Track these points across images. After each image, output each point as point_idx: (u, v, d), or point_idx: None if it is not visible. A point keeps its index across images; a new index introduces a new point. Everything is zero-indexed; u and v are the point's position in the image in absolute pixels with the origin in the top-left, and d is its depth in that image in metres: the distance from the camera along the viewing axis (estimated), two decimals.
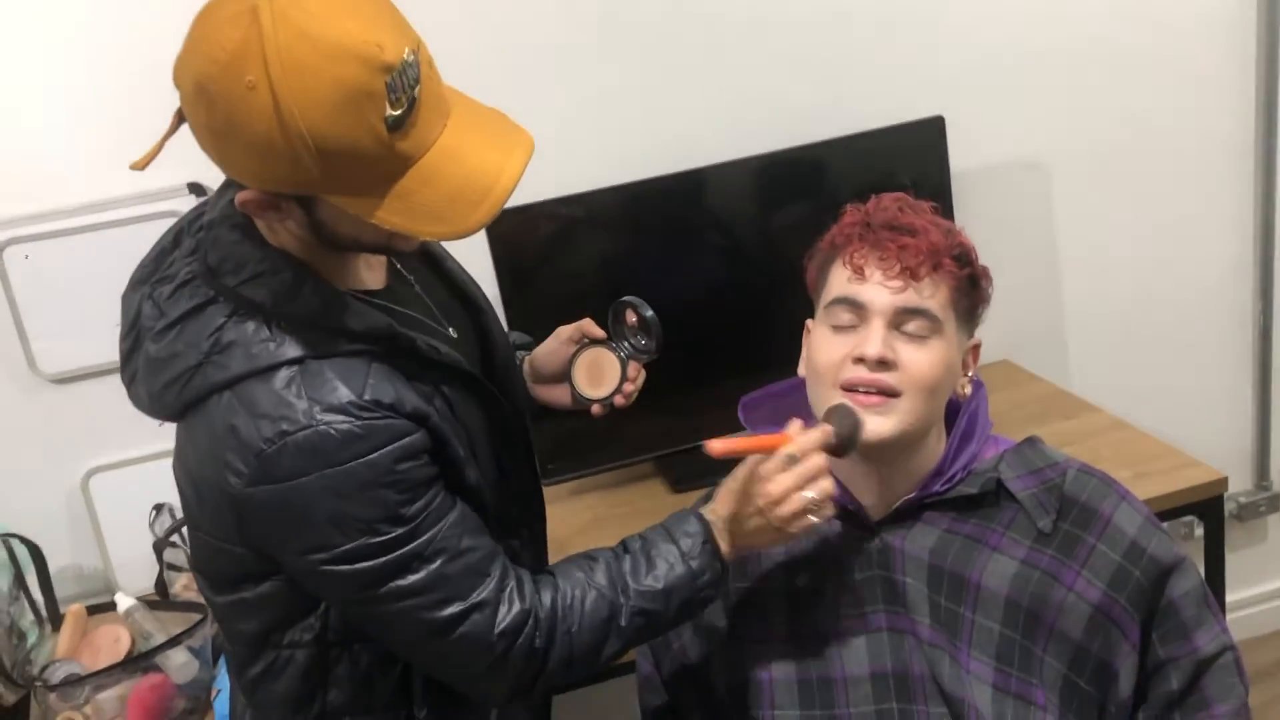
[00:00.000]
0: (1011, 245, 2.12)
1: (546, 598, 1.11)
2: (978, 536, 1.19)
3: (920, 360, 1.16)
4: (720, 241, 1.97)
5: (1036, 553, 1.17)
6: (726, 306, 1.94)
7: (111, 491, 1.90)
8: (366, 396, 1.02)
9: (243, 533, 1.05)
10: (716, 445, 1.11)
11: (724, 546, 1.17)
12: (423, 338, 1.10)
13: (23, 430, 1.86)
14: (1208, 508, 1.72)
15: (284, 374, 1.01)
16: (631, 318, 1.32)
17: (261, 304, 1.03)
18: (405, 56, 0.93)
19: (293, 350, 1.02)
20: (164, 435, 1.81)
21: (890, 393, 1.15)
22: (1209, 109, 2.21)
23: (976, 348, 1.26)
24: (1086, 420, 1.93)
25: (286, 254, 1.05)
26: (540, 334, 1.40)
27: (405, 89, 0.93)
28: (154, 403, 1.07)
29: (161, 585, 1.71)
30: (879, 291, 1.17)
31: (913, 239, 1.18)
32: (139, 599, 1.67)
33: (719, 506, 1.18)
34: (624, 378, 1.32)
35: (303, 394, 1.00)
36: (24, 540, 1.74)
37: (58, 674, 1.52)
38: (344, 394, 1.01)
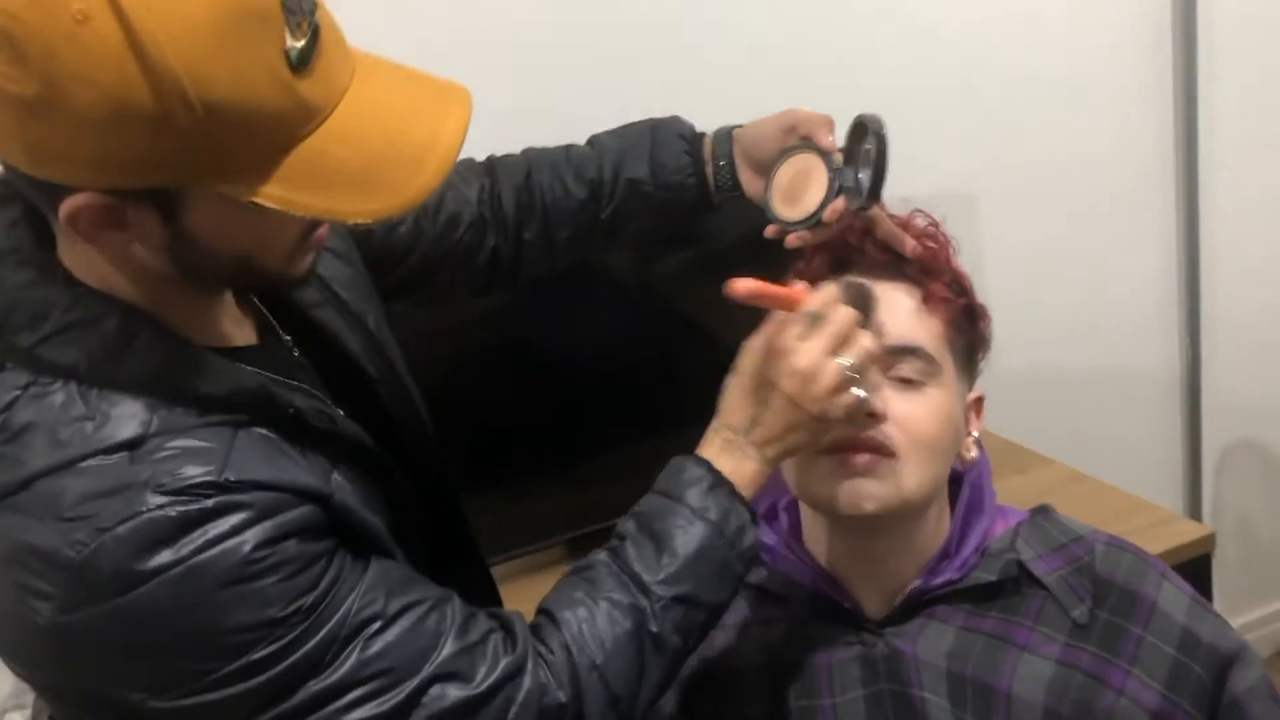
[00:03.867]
0: None
1: (551, 639, 0.86)
2: (1002, 634, 0.99)
3: (918, 414, 0.97)
4: (614, 286, 1.74)
5: (1074, 649, 0.98)
6: (628, 359, 1.71)
7: None
8: (229, 475, 0.76)
9: (71, 679, 0.78)
10: (741, 285, 0.88)
11: (747, 467, 0.91)
12: (310, 402, 0.85)
13: None
14: (1198, 567, 1.57)
15: (106, 461, 0.74)
16: (866, 146, 1.02)
17: (73, 367, 0.76)
18: None
19: (121, 429, 0.75)
20: None
21: (886, 451, 0.95)
22: (1131, 139, 2.14)
23: (979, 401, 1.08)
24: (1041, 474, 1.80)
25: (109, 295, 0.78)
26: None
27: (304, 11, 0.69)
28: None
29: None
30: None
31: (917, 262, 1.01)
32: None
33: (726, 418, 0.92)
34: (822, 208, 1.01)
35: (132, 480, 0.74)
36: None
37: None
38: (191, 473, 0.75)
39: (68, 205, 0.71)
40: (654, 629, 0.87)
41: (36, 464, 0.74)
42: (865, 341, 0.90)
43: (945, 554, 1.02)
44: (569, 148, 1.14)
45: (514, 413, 1.64)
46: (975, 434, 1.05)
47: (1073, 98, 2.06)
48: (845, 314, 0.90)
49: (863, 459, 0.94)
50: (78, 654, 0.75)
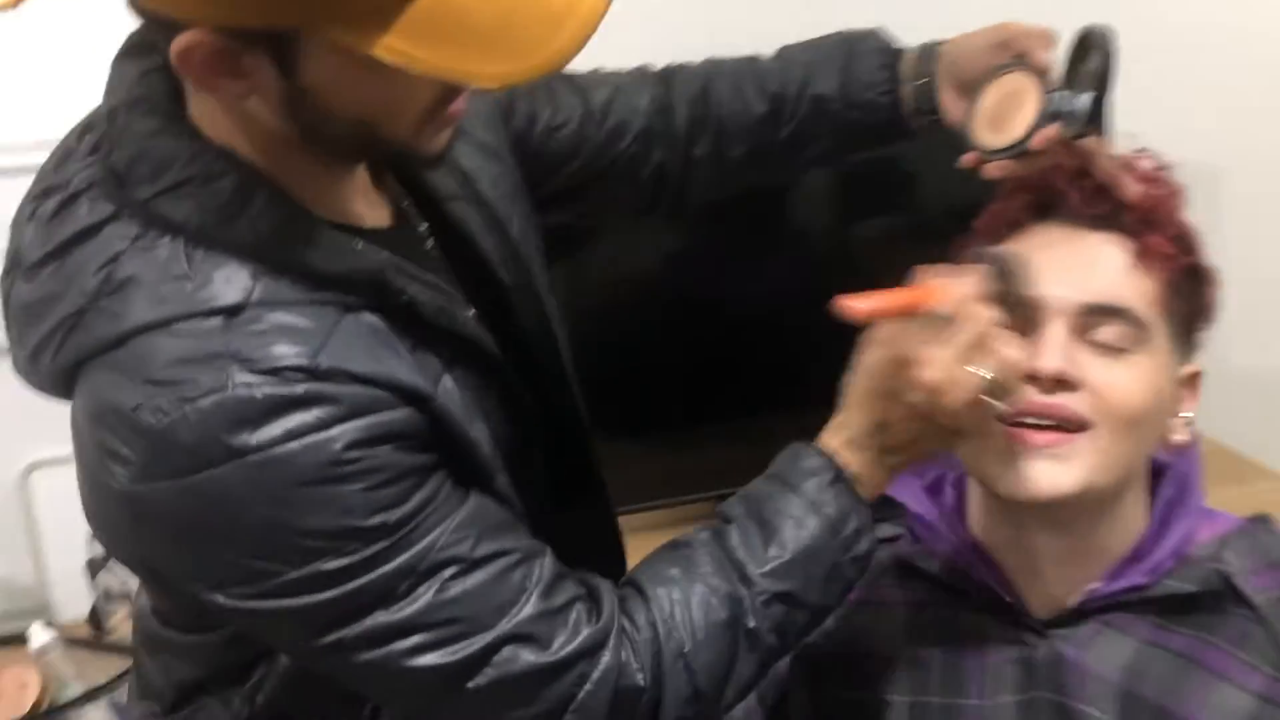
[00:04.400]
0: None
1: (639, 615, 0.80)
2: (1194, 655, 0.87)
3: (1118, 381, 0.86)
4: (796, 251, 1.65)
5: None
6: (800, 319, 1.61)
7: (56, 492, 1.56)
8: (322, 361, 0.71)
9: (140, 552, 0.77)
10: (856, 305, 0.80)
11: (871, 472, 0.84)
12: (431, 296, 0.79)
13: None
14: None
15: (202, 325, 0.71)
16: (1090, 64, 0.93)
17: (183, 224, 0.73)
18: None
19: (222, 293, 0.72)
20: None
21: (1073, 425, 0.85)
22: None
23: (1196, 377, 0.94)
24: (1263, 488, 1.62)
25: (231, 153, 0.75)
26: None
27: None
28: (30, 370, 0.78)
29: (95, 617, 1.39)
30: (1060, 280, 0.87)
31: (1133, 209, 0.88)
32: (62, 634, 1.34)
33: (851, 417, 0.84)
34: (1031, 134, 0.92)
35: (225, 349, 0.70)
36: None
37: None
38: (283, 352, 0.71)
39: (179, 43, 0.67)
40: (751, 624, 0.81)
41: (133, 320, 0.72)
42: (1007, 349, 0.80)
43: (1137, 555, 0.90)
44: (753, 59, 1.06)
45: (671, 359, 1.58)
46: (1188, 414, 0.91)
47: None
48: (982, 316, 0.80)
49: (1045, 436, 0.84)
50: (147, 527, 0.73)
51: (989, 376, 0.79)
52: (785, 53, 1.06)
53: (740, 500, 0.85)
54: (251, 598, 0.73)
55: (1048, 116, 0.91)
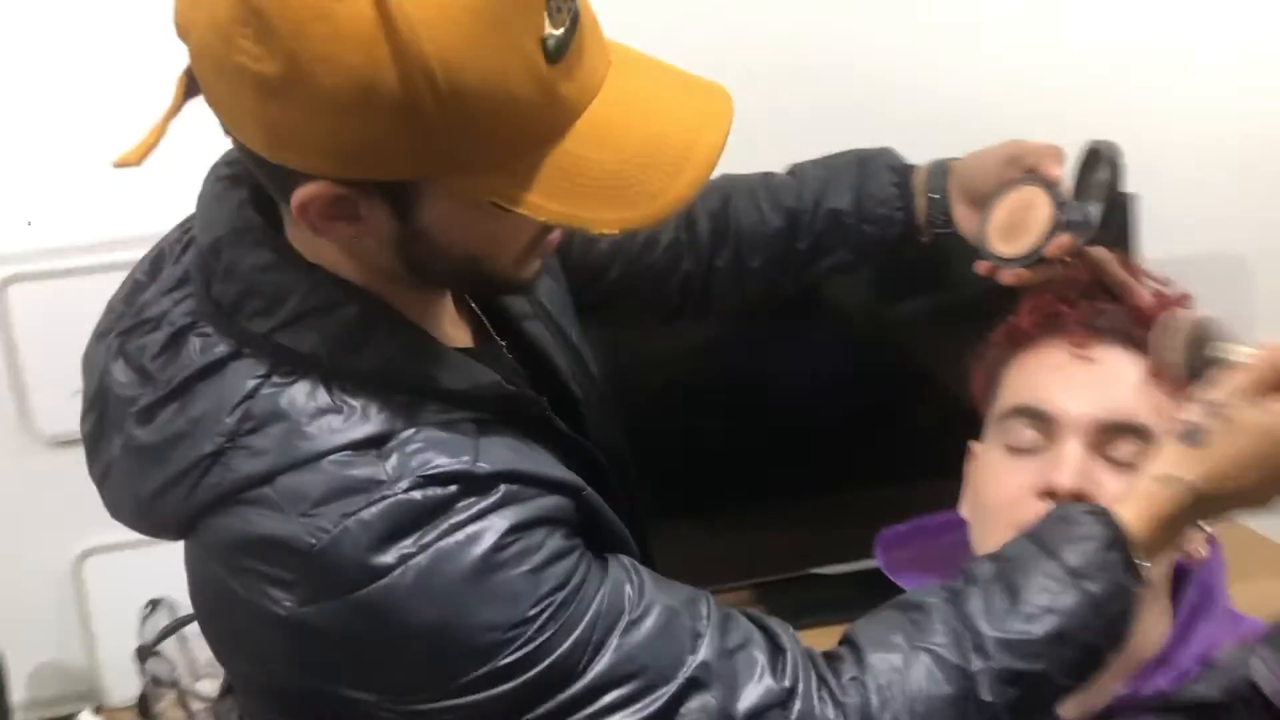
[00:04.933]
0: None
1: (848, 675, 0.75)
2: None
3: None
4: (838, 329, 1.64)
5: None
6: (844, 403, 1.61)
7: (108, 577, 1.60)
8: (479, 467, 0.72)
9: (304, 674, 0.75)
10: None
11: (1156, 538, 0.78)
12: (544, 404, 0.81)
13: (7, 497, 1.58)
14: None
15: (352, 457, 0.71)
16: (1102, 175, 0.95)
17: (311, 355, 0.73)
18: None
19: (365, 426, 0.72)
20: None
21: None
22: None
23: None
24: None
25: (347, 281, 0.75)
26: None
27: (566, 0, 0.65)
28: (142, 512, 0.77)
29: (144, 702, 1.41)
30: (1078, 396, 0.87)
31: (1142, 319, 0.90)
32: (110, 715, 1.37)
33: (1179, 469, 0.78)
34: (1043, 245, 0.93)
35: (379, 476, 0.70)
36: None
37: None
38: (442, 462, 0.71)
39: (300, 194, 0.67)
40: (983, 698, 0.73)
41: (279, 459, 0.71)
42: None
43: (1161, 660, 0.90)
44: (768, 175, 1.09)
45: (716, 444, 1.58)
46: (1209, 529, 0.91)
47: None
48: None
49: None
50: (314, 650, 0.72)
51: None
52: (799, 169, 1.10)
53: (991, 560, 0.79)
54: (425, 700, 0.71)
55: (1060, 226, 0.92)
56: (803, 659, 0.75)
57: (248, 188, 0.78)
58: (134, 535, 1.56)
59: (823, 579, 1.63)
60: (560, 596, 0.71)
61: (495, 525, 0.70)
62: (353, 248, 0.74)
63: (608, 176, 0.67)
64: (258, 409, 0.72)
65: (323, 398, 0.72)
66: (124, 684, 1.54)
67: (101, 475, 0.80)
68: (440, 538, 0.69)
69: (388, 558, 0.69)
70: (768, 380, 1.60)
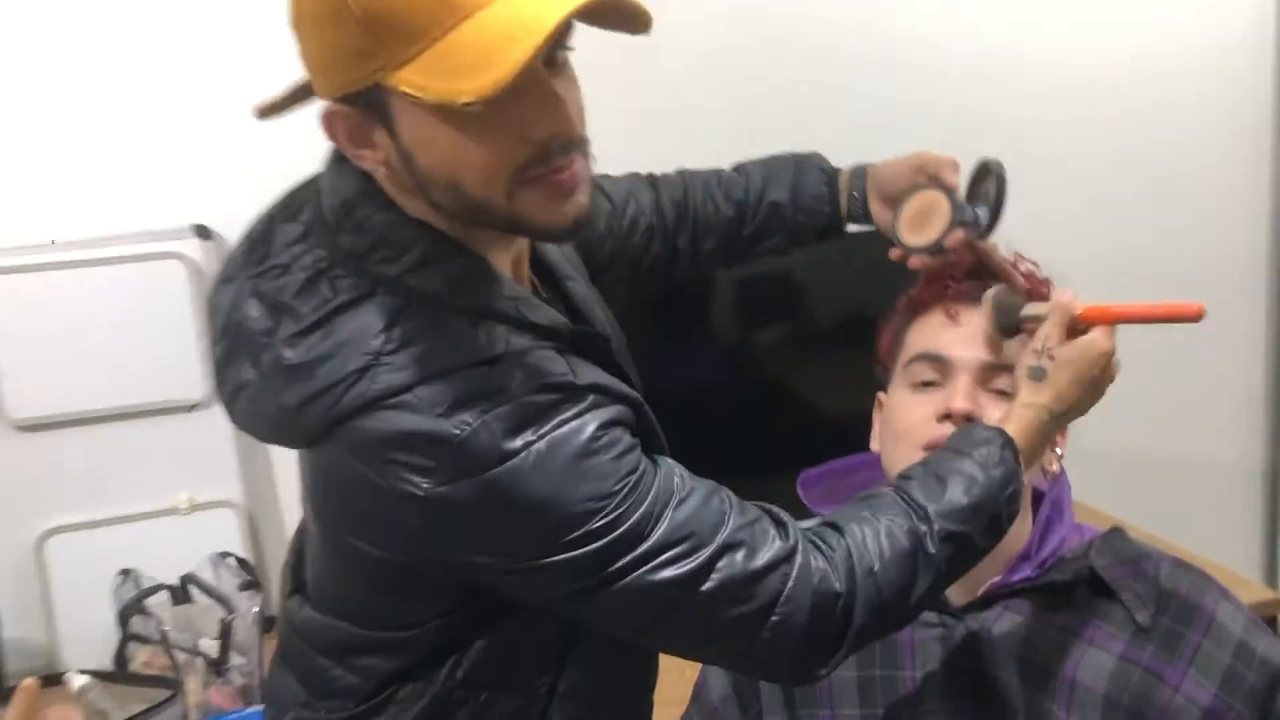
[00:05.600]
0: None
1: (833, 539, 0.95)
2: (1071, 628, 1.10)
3: None
4: (751, 336, 1.91)
5: (1135, 648, 1.07)
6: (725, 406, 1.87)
7: (68, 556, 1.72)
8: (576, 379, 0.90)
9: (431, 545, 0.90)
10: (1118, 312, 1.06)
11: (1030, 442, 1.02)
12: (610, 341, 0.99)
13: None
14: None
15: (475, 372, 0.87)
16: (988, 186, 1.16)
17: (436, 294, 0.89)
18: None
19: (485, 346, 0.88)
20: (133, 496, 1.73)
21: None
22: (1223, 232, 2.25)
23: None
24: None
25: (450, 236, 0.91)
26: None
27: None
28: (284, 420, 0.90)
29: (121, 658, 1.53)
30: (965, 344, 1.11)
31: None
32: (94, 674, 1.48)
33: (1046, 398, 1.04)
34: (945, 236, 1.14)
35: (495, 383, 0.87)
36: None
37: None
38: (550, 373, 0.89)
39: (324, 114, 0.86)
40: (930, 551, 0.95)
41: (418, 372, 0.86)
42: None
43: (1025, 555, 1.12)
44: (719, 171, 1.28)
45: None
46: (1060, 450, 1.16)
47: (1173, 197, 2.19)
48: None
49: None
50: (445, 521, 0.87)
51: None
52: (744, 167, 1.28)
53: (920, 464, 1.01)
54: (534, 558, 0.87)
55: (956, 223, 1.13)
56: (797, 530, 0.95)
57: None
58: (98, 514, 1.72)
59: None
60: (633, 479, 0.88)
61: (590, 422, 0.88)
62: (396, 186, 0.89)
63: (472, 56, 0.79)
64: (398, 334, 0.87)
65: (446, 327, 0.88)
66: (82, 657, 1.65)
67: (232, 394, 0.94)
68: (552, 429, 0.86)
69: (515, 444, 0.85)
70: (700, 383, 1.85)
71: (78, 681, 1.45)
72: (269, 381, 0.90)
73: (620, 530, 0.88)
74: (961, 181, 1.17)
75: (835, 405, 1.81)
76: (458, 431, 0.85)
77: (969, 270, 1.15)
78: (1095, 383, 1.04)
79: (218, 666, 1.52)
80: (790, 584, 0.91)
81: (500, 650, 1.00)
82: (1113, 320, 1.04)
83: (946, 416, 1.08)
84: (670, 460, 0.96)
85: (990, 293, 1.10)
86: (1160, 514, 2.12)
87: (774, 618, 0.91)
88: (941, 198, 1.15)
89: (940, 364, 1.11)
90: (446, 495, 0.86)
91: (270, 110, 0.92)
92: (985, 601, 1.12)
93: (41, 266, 1.67)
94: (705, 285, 1.88)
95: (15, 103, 1.67)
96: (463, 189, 0.87)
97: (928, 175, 1.17)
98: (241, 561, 1.71)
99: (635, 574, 0.89)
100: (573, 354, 0.93)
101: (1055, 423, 1.04)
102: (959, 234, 1.13)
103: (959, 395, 1.08)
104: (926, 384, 1.12)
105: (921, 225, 1.16)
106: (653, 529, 0.89)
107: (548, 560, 0.88)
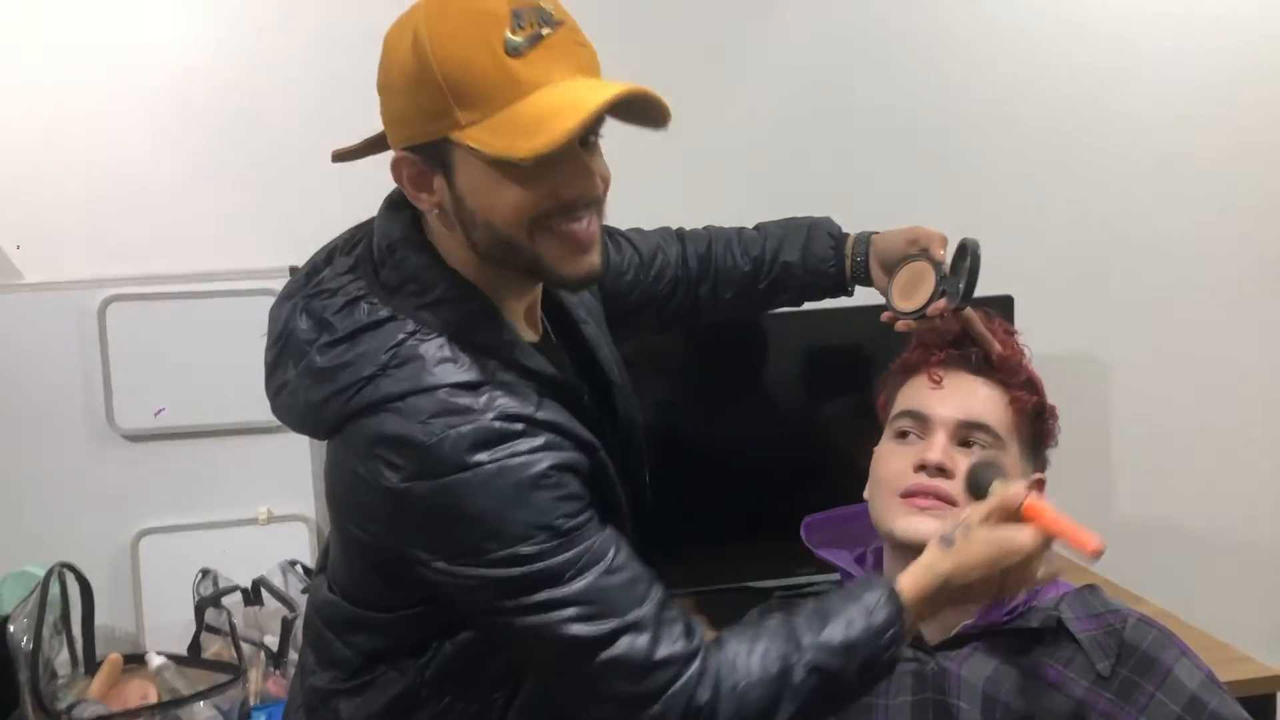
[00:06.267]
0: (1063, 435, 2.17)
1: (712, 650, 1.03)
2: (1035, 671, 1.18)
3: None
4: (771, 394, 2.04)
5: (1094, 694, 1.15)
6: (781, 457, 1.99)
7: (158, 554, 1.92)
8: (538, 414, 1.02)
9: (392, 535, 1.03)
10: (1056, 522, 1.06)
11: (920, 608, 1.06)
12: (585, 393, 1.11)
13: (87, 481, 1.90)
14: (1261, 706, 1.68)
15: (457, 391, 1.01)
16: (966, 263, 1.26)
17: (444, 327, 1.04)
18: (540, 2, 0.98)
19: (470, 375, 1.02)
20: (219, 504, 1.92)
21: (947, 500, 1.18)
22: (1265, 331, 2.30)
23: (1041, 481, 1.28)
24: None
25: (473, 283, 1.06)
26: None
27: (532, 23, 0.97)
28: (308, 414, 1.06)
29: (195, 647, 1.70)
30: (944, 404, 1.22)
31: (996, 362, 1.24)
32: (170, 657, 1.66)
33: (945, 567, 1.06)
34: (927, 305, 1.25)
35: (472, 406, 1.00)
36: (79, 576, 1.74)
37: (87, 711, 1.51)
38: (517, 407, 1.01)
39: (393, 160, 1.02)
40: (795, 680, 1.01)
41: (415, 384, 1.00)
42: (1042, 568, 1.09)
43: (998, 602, 1.20)
44: (741, 229, 1.41)
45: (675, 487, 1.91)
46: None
47: (1205, 289, 2.26)
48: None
49: (927, 501, 1.18)
50: (405, 514, 1.00)
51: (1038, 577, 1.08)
52: (764, 226, 1.41)
53: (811, 599, 1.07)
54: (466, 564, 0.99)
55: (939, 293, 1.24)
56: (703, 640, 1.03)
57: (410, 210, 1.09)
58: (186, 519, 1.89)
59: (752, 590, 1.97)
60: (569, 524, 0.99)
61: (545, 460, 1.00)
62: (447, 236, 1.04)
63: (527, 122, 0.95)
64: (404, 352, 1.02)
65: (446, 352, 1.02)
66: (162, 645, 1.80)
67: (276, 391, 1.09)
68: (508, 456, 0.99)
69: (472, 459, 0.98)
70: (714, 441, 1.98)
71: (156, 661, 1.64)
72: (301, 380, 1.05)
73: (543, 564, 0.98)
74: (948, 256, 1.29)
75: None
76: (425, 439, 0.98)
77: (954, 338, 1.27)
78: (1004, 573, 1.06)
79: (277, 660, 1.69)
80: (676, 685, 0.99)
81: (464, 659, 1.11)
82: (1043, 525, 1.06)
83: (922, 467, 1.19)
84: (619, 534, 1.05)
85: (970, 462, 1.19)
86: (1190, 598, 2.15)
87: (653, 708, 0.99)
88: (929, 269, 1.27)
89: (921, 421, 1.23)
90: (408, 491, 0.99)
91: (345, 155, 1.10)
92: (957, 641, 1.21)
93: (154, 296, 1.89)
94: (749, 344, 2.02)
95: (146, 154, 1.90)
96: (494, 226, 1.02)
97: (920, 247, 1.29)
98: (308, 570, 1.87)
99: (546, 616, 0.99)
100: (550, 397, 1.05)
101: (951, 594, 1.07)
102: (940, 303, 1.24)
103: (935, 449, 1.20)
104: (908, 437, 1.23)
105: (911, 292, 1.28)
106: (573, 579, 0.99)
107: (474, 570, 0.99)
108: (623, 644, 0.99)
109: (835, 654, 1.02)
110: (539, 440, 1.00)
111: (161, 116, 1.89)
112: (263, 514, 1.94)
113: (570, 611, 0.99)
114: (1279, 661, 1.97)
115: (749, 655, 1.02)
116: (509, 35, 0.96)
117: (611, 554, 1.01)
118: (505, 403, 1.01)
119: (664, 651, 1.00)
